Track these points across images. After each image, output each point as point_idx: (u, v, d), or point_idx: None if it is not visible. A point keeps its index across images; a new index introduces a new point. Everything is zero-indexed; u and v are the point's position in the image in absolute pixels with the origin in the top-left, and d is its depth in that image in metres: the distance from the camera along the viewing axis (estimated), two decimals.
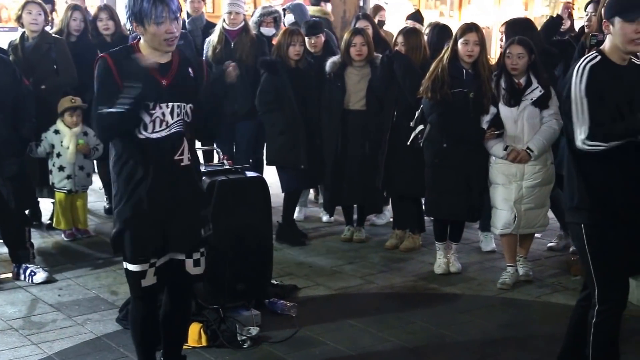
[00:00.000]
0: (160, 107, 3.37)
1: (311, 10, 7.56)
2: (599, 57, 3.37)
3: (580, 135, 3.31)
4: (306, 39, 6.18)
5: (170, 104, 3.39)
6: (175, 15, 3.37)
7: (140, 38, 3.44)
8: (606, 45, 3.41)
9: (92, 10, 7.40)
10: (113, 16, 6.78)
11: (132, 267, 3.48)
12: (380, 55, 5.99)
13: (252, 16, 7.18)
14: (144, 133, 3.37)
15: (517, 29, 5.52)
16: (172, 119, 3.40)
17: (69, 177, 6.13)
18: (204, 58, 6.48)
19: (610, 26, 3.36)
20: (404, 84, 5.68)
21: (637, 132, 3.28)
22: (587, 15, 5.60)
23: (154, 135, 3.38)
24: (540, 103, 5.10)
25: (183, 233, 3.50)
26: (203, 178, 4.42)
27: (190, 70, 3.51)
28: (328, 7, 7.96)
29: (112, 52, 3.43)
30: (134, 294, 3.57)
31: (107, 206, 7.05)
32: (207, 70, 3.61)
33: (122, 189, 3.45)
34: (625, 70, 3.40)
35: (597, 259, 3.42)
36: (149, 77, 3.32)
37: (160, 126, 3.38)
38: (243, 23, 6.47)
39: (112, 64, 3.33)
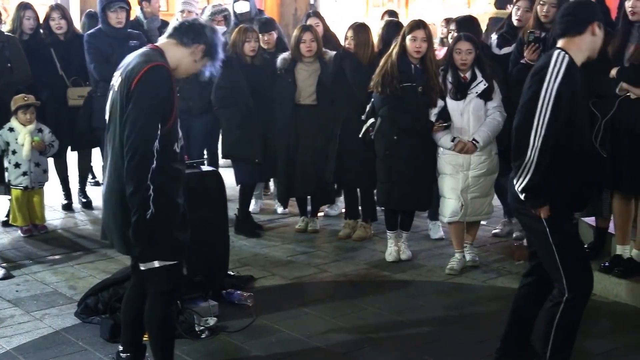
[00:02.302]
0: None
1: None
2: (567, 59, 3.45)
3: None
4: (259, 35, 6.30)
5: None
6: None
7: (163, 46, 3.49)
8: (577, 45, 3.50)
9: (40, 10, 7.32)
10: (65, 15, 6.73)
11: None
12: (330, 52, 6.13)
13: (202, 15, 7.24)
14: (177, 149, 3.48)
15: (468, 26, 5.70)
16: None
17: (24, 173, 6.15)
18: None
19: (597, 29, 3.52)
20: (353, 80, 5.83)
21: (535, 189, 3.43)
22: (518, 9, 5.72)
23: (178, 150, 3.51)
24: (485, 96, 5.29)
25: None
26: None
27: None
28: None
29: (164, 61, 3.39)
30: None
31: (64, 202, 7.08)
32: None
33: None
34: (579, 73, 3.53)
35: (562, 250, 3.48)
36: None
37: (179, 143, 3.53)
38: None
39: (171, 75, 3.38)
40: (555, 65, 3.43)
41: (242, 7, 7.07)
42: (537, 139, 3.40)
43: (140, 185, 3.27)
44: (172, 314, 3.67)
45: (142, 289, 3.63)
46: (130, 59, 3.48)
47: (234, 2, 7.17)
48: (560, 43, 3.56)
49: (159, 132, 3.29)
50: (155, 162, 3.27)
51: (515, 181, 3.50)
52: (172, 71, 3.40)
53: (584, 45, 3.54)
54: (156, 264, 3.47)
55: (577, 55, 3.51)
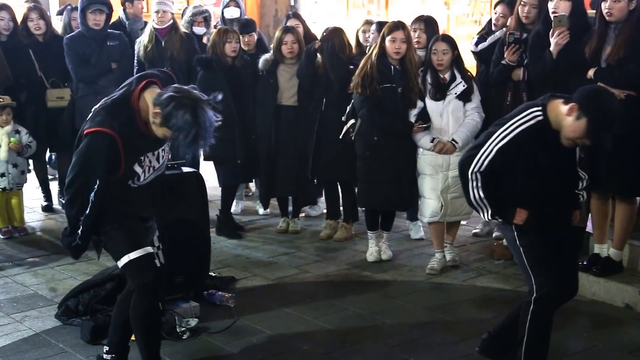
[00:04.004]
0: (148, 157, 3.61)
1: None
2: (539, 119, 3.48)
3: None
4: (240, 37, 6.30)
5: (156, 152, 3.63)
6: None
7: (141, 96, 3.51)
8: (557, 110, 3.47)
9: (18, 11, 7.28)
10: (44, 16, 6.70)
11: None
12: None
13: (182, 16, 7.23)
14: (136, 183, 3.64)
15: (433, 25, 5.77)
16: (159, 162, 3.68)
17: (2, 175, 6.11)
18: (135, 58, 6.56)
19: (574, 115, 3.40)
20: (331, 71, 5.84)
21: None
22: (496, 14, 5.85)
23: (144, 182, 3.66)
24: (464, 97, 5.33)
25: None
26: None
27: None
28: None
29: (120, 128, 3.44)
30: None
31: (44, 204, 7.04)
32: None
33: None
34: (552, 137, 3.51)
35: (529, 251, 3.62)
36: (142, 136, 3.52)
37: (149, 171, 3.65)
38: (172, 21, 6.53)
39: (119, 143, 3.44)
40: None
41: (233, 13, 7.10)
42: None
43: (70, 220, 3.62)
44: (154, 311, 3.71)
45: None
46: (115, 92, 3.64)
47: (224, 7, 7.18)
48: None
49: (95, 186, 3.48)
50: (89, 208, 3.51)
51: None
52: (129, 128, 3.46)
53: (558, 116, 3.47)
54: (123, 260, 3.63)
55: (551, 121, 3.49)
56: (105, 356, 3.83)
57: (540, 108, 3.53)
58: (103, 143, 3.45)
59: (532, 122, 3.51)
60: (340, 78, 5.70)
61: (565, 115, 3.46)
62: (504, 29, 5.58)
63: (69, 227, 3.64)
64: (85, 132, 3.52)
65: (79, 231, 3.57)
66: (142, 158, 3.58)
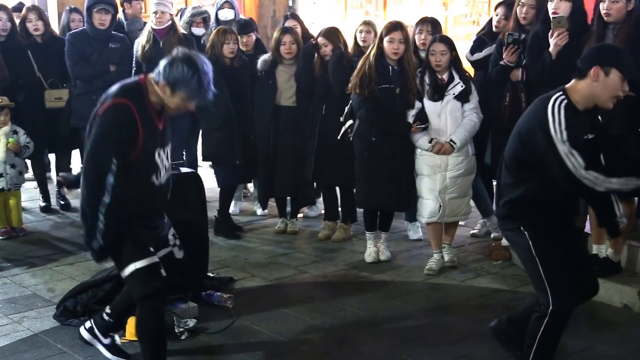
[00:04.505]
0: (160, 153, 3.58)
1: None
2: (565, 101, 3.39)
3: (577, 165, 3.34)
4: (238, 37, 6.30)
5: (166, 150, 3.60)
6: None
7: (147, 80, 3.51)
8: (578, 89, 3.43)
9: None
10: (42, 16, 6.70)
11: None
12: None
13: (181, 16, 7.23)
14: (159, 179, 3.60)
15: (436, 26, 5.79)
16: (168, 162, 3.64)
17: (0, 175, 6.11)
18: (134, 58, 6.55)
19: (602, 74, 3.37)
20: (332, 76, 5.84)
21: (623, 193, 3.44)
22: (497, 16, 5.85)
23: (163, 181, 3.64)
24: (462, 97, 5.33)
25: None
26: None
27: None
28: None
29: (134, 100, 3.43)
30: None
31: (42, 204, 7.04)
32: None
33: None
34: (581, 118, 3.44)
35: (545, 262, 3.51)
36: (152, 123, 3.49)
37: (164, 170, 3.62)
38: (170, 22, 6.52)
39: (135, 111, 3.41)
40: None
41: (227, 15, 7.11)
42: None
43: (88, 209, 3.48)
44: (160, 324, 3.67)
45: None
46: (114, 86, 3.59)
47: (218, 9, 7.18)
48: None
49: (113, 165, 3.36)
50: (109, 195, 3.38)
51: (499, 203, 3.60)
52: (142, 107, 3.44)
53: (584, 91, 3.42)
54: (127, 270, 3.57)
55: (578, 101, 3.42)
56: (105, 317, 4.02)
57: (561, 92, 3.44)
58: (118, 112, 3.39)
59: (563, 103, 3.38)
60: (341, 84, 5.70)
61: (592, 82, 3.40)
62: (500, 36, 5.57)
63: (88, 222, 3.45)
64: (99, 114, 3.43)
65: (100, 225, 3.40)
66: (157, 152, 3.55)
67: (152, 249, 3.63)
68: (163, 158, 3.61)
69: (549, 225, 3.52)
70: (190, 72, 3.41)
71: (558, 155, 3.34)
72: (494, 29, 5.83)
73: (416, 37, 5.79)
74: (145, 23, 6.89)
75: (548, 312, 3.52)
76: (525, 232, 3.53)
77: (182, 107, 3.52)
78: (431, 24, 5.79)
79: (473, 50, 5.91)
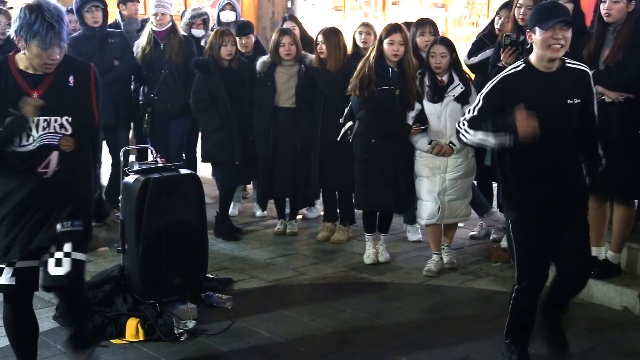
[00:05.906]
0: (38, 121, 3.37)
1: None
2: (520, 67, 3.71)
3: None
4: (237, 39, 6.31)
5: (36, 118, 3.36)
6: (63, 42, 3.33)
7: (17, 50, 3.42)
8: (532, 54, 3.68)
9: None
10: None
11: None
12: (310, 55, 6.16)
13: (181, 18, 7.24)
14: (11, 147, 3.37)
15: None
16: (38, 132, 3.38)
17: None
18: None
19: (533, 35, 3.65)
20: (329, 93, 5.88)
21: (500, 129, 3.56)
22: (500, 18, 5.84)
23: (20, 149, 3.38)
24: (462, 99, 5.33)
25: (31, 232, 3.44)
26: (137, 176, 4.52)
27: (70, 79, 3.46)
28: None
29: None
30: None
31: None
32: (94, 77, 3.55)
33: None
34: (549, 77, 3.67)
35: (518, 246, 3.81)
36: (19, 92, 3.34)
37: (28, 140, 3.38)
38: (170, 24, 6.52)
39: None
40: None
41: (229, 17, 7.11)
42: None
43: None
44: (21, 317, 3.59)
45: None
46: None
47: (220, 10, 7.18)
48: None
49: None
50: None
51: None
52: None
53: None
54: None
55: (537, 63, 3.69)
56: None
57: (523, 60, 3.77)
58: None
59: (516, 69, 3.72)
60: (340, 95, 5.71)
61: (531, 43, 3.68)
62: (499, 38, 5.57)
63: None
64: None
65: None
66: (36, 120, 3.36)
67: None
68: (32, 126, 3.36)
69: (529, 212, 3.73)
70: (32, 16, 3.27)
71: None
72: (496, 31, 5.83)
73: (418, 38, 5.79)
74: (142, 23, 6.90)
75: (514, 289, 3.85)
76: (509, 218, 3.85)
77: (43, 58, 3.33)
78: (433, 26, 5.80)
79: (470, 54, 5.92)
